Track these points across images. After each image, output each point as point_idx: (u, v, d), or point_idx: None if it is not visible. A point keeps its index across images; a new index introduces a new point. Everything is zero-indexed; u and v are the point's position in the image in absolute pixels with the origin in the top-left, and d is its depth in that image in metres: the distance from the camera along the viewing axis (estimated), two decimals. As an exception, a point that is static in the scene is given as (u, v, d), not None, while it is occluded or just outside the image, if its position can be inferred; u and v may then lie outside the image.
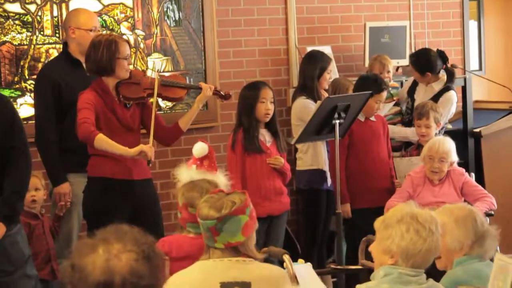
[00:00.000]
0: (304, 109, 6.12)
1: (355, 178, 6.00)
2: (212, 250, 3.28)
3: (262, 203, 5.49)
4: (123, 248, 2.17)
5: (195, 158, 4.05)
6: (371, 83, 6.05)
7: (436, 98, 6.47)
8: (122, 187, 5.12)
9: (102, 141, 4.93)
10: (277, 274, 3.30)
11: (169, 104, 6.49)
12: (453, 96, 6.52)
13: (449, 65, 6.69)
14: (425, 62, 6.59)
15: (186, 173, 3.85)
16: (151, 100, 5.26)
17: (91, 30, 5.55)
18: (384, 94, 6.12)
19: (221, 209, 3.22)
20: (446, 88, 6.53)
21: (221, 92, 5.49)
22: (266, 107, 5.62)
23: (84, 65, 5.44)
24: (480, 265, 3.59)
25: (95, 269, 2.14)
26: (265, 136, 5.71)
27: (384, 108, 6.60)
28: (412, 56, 6.74)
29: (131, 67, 5.27)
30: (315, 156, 6.27)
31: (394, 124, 6.68)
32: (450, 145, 5.71)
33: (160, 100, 6.08)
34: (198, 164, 3.98)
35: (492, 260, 3.67)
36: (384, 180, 6.13)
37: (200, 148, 4.07)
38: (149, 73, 6.45)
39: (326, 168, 6.25)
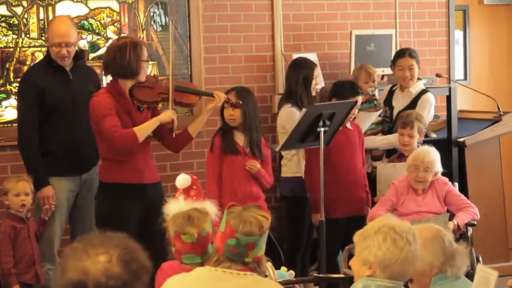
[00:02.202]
0: (289, 118, 6.12)
1: (329, 187, 5.73)
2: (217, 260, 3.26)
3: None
4: (102, 251, 2.22)
5: (180, 190, 4.05)
6: (348, 88, 6.06)
7: (414, 101, 6.49)
8: (134, 192, 5.13)
9: (141, 130, 5.02)
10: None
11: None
12: (431, 97, 6.55)
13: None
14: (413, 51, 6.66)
15: (174, 206, 3.82)
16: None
17: (52, 46, 5.49)
18: (360, 98, 6.08)
19: (262, 226, 3.22)
20: (423, 91, 6.56)
21: (232, 101, 5.49)
22: (228, 112, 5.60)
23: (66, 69, 5.45)
24: (456, 284, 3.53)
25: (73, 268, 2.20)
26: (243, 140, 5.68)
27: (370, 117, 6.59)
28: (403, 52, 6.64)
29: None
30: (299, 163, 6.27)
31: (375, 134, 6.66)
32: (435, 155, 5.73)
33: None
34: (185, 196, 3.97)
35: (466, 275, 3.66)
36: (358, 189, 6.04)
37: (182, 180, 4.08)
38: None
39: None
